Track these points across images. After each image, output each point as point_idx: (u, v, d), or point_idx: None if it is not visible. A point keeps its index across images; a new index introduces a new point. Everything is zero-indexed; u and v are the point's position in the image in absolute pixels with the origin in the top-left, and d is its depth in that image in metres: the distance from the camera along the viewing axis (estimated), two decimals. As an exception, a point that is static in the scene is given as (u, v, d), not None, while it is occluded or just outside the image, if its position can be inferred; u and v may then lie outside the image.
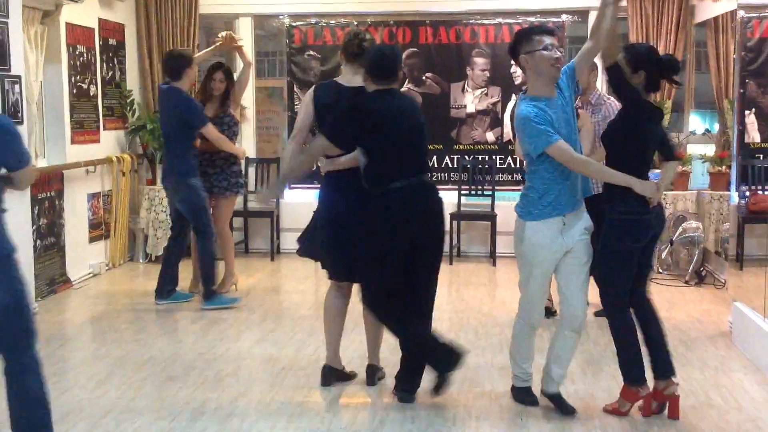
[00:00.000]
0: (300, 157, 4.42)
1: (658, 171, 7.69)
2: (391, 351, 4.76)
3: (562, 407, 4.22)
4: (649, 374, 4.21)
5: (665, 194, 7.68)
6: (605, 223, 4.09)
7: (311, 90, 4.54)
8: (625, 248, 4.07)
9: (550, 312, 5.97)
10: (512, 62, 4.32)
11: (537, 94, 3.97)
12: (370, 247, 4.24)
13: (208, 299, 6.32)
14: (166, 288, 6.49)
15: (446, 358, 4.31)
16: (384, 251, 4.20)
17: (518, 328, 4.32)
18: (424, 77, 8.51)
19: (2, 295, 3.28)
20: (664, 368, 4.18)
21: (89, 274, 7.46)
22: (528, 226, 4.05)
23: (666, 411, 4.18)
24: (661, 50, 7.94)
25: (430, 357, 4.36)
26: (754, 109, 8.11)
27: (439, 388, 4.35)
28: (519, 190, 8.17)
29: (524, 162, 4.32)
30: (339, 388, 4.58)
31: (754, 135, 8.15)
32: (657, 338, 4.20)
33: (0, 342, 3.37)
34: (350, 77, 4.46)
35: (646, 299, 4.25)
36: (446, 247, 8.07)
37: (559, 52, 3.94)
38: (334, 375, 4.62)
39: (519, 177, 8.42)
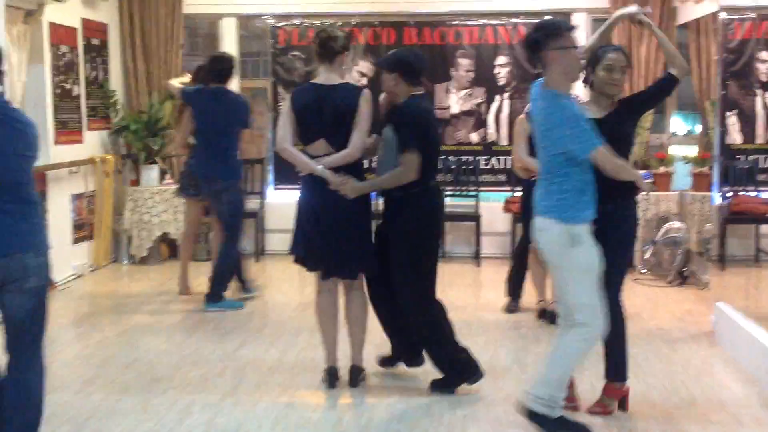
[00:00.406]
0: (396, 174, 4.34)
1: (642, 171, 7.79)
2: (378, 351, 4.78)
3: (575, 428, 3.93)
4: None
5: (648, 195, 7.74)
6: (624, 220, 4.09)
7: (289, 95, 4.56)
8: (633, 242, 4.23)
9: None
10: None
11: (565, 92, 3.77)
12: (418, 247, 4.42)
13: (215, 302, 6.32)
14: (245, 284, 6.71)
15: (469, 370, 4.53)
16: (432, 247, 4.51)
17: (584, 346, 3.85)
18: (408, 78, 8.52)
19: (44, 288, 3.42)
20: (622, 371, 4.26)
21: (73, 275, 7.42)
22: (581, 229, 3.74)
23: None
24: (643, 52, 8.02)
25: (452, 364, 4.54)
26: (735, 111, 8.18)
27: (438, 390, 4.55)
28: (503, 190, 8.34)
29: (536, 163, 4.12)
30: (324, 390, 4.58)
31: (735, 136, 8.23)
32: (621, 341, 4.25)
33: (21, 337, 3.38)
34: (327, 76, 4.46)
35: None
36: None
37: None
38: (337, 376, 4.61)
39: (503, 178, 8.46)
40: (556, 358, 3.85)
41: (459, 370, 4.54)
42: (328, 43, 4.42)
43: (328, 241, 4.43)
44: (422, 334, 4.54)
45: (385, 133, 4.44)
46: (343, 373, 4.66)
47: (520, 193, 6.43)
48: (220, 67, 6.28)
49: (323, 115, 4.38)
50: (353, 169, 4.44)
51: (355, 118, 4.39)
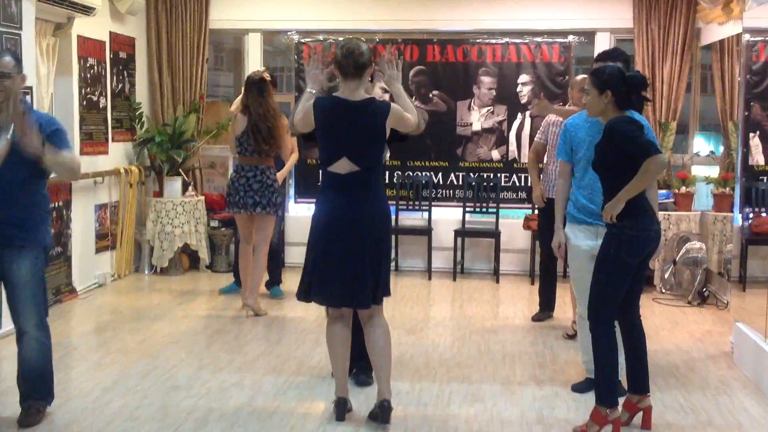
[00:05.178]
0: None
1: (663, 191, 7.78)
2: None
3: None
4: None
5: (669, 215, 7.73)
6: (608, 234, 4.13)
7: (313, 103, 4.26)
8: (622, 263, 4.10)
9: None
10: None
11: None
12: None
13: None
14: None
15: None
16: None
17: None
18: (430, 95, 8.58)
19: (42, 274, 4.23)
20: (643, 384, 4.26)
21: (95, 284, 7.51)
22: None
23: (637, 423, 4.27)
24: (666, 72, 8.03)
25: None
26: (758, 132, 8.13)
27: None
28: (523, 207, 8.36)
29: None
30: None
31: (758, 157, 8.17)
32: (641, 355, 4.27)
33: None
34: (351, 91, 4.21)
35: (638, 316, 4.31)
36: (450, 263, 8.20)
37: None
38: (348, 408, 4.39)
39: (523, 195, 8.47)
40: None
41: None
42: (354, 56, 4.17)
43: (356, 265, 4.13)
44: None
45: None
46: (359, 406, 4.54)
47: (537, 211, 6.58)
48: None
49: (349, 133, 4.16)
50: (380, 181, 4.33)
51: (395, 115, 4.19)
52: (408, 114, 4.25)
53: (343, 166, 4.17)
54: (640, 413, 4.28)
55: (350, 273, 4.13)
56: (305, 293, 4.28)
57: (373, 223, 4.19)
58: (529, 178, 6.53)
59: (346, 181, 4.18)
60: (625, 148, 4.00)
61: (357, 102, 4.20)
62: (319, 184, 4.40)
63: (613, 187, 4.07)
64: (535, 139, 6.44)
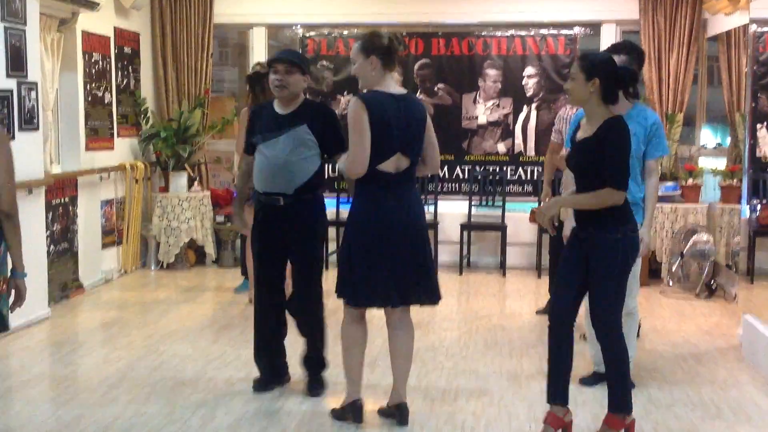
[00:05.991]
0: None
1: (671, 183, 7.76)
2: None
3: None
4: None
5: (676, 207, 7.71)
6: (611, 241, 3.88)
7: (360, 103, 3.93)
8: (628, 267, 3.96)
9: None
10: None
11: None
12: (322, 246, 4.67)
13: None
14: None
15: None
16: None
17: None
18: (436, 88, 8.56)
19: None
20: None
21: (101, 280, 7.52)
22: None
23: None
24: (673, 64, 7.99)
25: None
26: (765, 123, 8.10)
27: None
28: (530, 201, 8.34)
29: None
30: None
31: (765, 149, 8.14)
32: None
33: None
34: (394, 84, 4.09)
35: None
36: (456, 257, 8.17)
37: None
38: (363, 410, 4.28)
39: (530, 188, 8.45)
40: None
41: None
42: (396, 46, 4.05)
43: (420, 262, 4.08)
44: (320, 333, 4.75)
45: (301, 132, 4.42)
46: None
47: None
48: None
49: (402, 126, 3.97)
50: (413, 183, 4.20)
51: (429, 133, 4.12)
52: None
53: (393, 163, 4.01)
54: None
55: (416, 271, 4.07)
56: (372, 297, 4.08)
57: (424, 220, 4.21)
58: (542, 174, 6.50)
59: (396, 180, 4.02)
60: (611, 154, 3.77)
61: (402, 95, 4.10)
62: (361, 184, 4.05)
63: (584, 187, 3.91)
64: (551, 139, 6.36)
